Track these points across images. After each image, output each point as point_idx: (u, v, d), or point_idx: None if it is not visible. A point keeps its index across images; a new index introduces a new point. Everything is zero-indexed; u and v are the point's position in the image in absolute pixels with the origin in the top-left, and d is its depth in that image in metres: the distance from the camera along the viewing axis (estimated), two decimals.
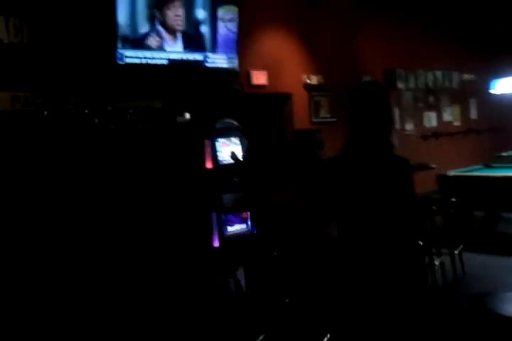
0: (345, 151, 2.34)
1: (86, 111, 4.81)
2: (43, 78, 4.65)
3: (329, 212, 2.28)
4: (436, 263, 4.67)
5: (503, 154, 8.02)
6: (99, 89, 5.02)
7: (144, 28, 5.23)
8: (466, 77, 10.72)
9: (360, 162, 2.27)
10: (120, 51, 5.04)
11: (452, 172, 6.48)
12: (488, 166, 7.12)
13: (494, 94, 9.40)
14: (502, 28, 10.68)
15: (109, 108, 5.00)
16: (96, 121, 4.86)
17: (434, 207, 4.77)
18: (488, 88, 9.09)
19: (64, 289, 4.23)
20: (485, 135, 10.76)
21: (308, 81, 7.61)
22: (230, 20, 6.07)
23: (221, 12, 5.96)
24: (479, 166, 7.11)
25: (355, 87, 2.45)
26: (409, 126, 9.45)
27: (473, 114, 10.90)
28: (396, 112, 9.27)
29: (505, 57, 10.38)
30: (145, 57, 5.25)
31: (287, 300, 3.50)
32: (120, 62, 5.06)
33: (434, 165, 5.02)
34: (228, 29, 6.07)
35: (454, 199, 5.19)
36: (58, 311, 4.04)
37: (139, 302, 4.19)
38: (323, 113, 7.92)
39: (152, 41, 5.31)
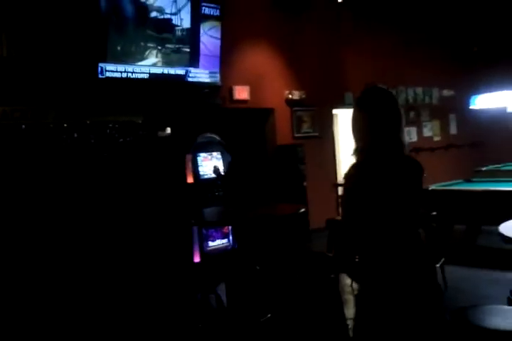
0: (364, 155, 2.33)
1: (65, 125, 4.76)
2: (22, 92, 4.60)
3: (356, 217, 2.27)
4: None
5: (483, 169, 8.09)
6: (79, 103, 4.98)
7: (126, 42, 5.23)
8: (446, 92, 10.87)
9: (379, 164, 2.29)
10: (101, 65, 5.02)
11: (433, 187, 6.51)
12: (468, 180, 7.17)
13: (474, 110, 9.53)
14: (481, 45, 10.90)
15: (88, 122, 4.96)
16: (75, 135, 4.81)
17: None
18: (467, 104, 9.22)
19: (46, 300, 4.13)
20: (465, 150, 10.88)
21: (290, 96, 7.65)
22: (213, 35, 6.10)
23: (204, 27, 5.99)
24: (459, 180, 7.16)
25: (368, 92, 2.43)
26: None
27: (453, 130, 11.04)
28: None
29: (484, 73, 10.55)
30: (126, 71, 5.23)
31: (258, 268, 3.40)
32: (101, 76, 5.04)
33: None
34: (211, 44, 6.10)
35: (434, 213, 5.20)
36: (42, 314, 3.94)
37: (120, 315, 4.09)
38: (306, 128, 7.96)
39: (133, 55, 5.30)
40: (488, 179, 7.08)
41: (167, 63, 5.60)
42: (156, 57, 5.50)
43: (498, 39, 10.72)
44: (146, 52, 5.41)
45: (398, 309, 2.18)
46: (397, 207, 2.23)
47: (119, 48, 5.17)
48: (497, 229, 2.87)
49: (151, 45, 5.44)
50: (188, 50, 5.82)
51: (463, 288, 4.95)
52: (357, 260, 2.30)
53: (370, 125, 2.30)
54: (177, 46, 5.70)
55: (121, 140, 5.19)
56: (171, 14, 5.61)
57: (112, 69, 5.12)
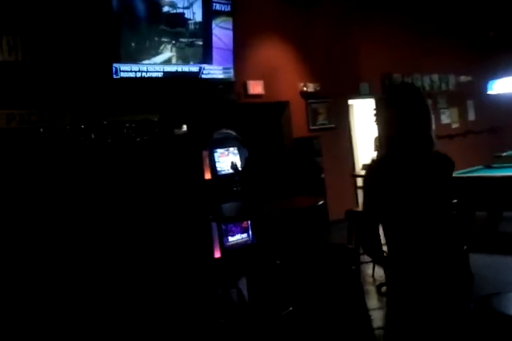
0: (390, 150, 2.33)
1: (82, 126, 4.82)
2: (38, 95, 4.67)
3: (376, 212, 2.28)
4: None
5: (503, 154, 7.99)
6: (95, 104, 5.04)
7: (139, 40, 5.26)
8: (463, 78, 10.73)
9: (407, 160, 2.30)
10: (115, 65, 5.07)
11: (453, 174, 6.45)
12: (488, 166, 7.09)
13: (491, 95, 9.40)
14: (497, 29, 10.71)
15: (105, 122, 5.01)
16: (92, 136, 4.87)
17: None
18: (485, 89, 9.10)
19: (62, 298, 4.22)
20: (484, 136, 10.74)
21: (304, 89, 7.62)
22: (225, 31, 6.10)
23: (216, 23, 6.00)
24: (479, 167, 7.07)
25: (395, 89, 2.46)
26: None
27: (471, 116, 10.90)
28: None
29: (501, 57, 10.39)
30: (140, 71, 5.27)
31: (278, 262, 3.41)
32: (115, 77, 5.09)
33: None
34: (223, 40, 6.10)
35: (455, 201, 5.16)
36: (51, 314, 4.02)
37: (141, 312, 4.16)
38: (321, 120, 7.93)
39: (147, 52, 5.34)
40: (508, 164, 6.99)
41: (181, 60, 5.62)
42: (171, 52, 5.52)
43: None
44: (160, 48, 5.44)
45: (429, 297, 2.19)
46: (424, 202, 2.23)
47: (132, 47, 5.21)
48: None
49: (165, 39, 5.46)
50: (201, 44, 5.83)
51: (486, 276, 4.91)
52: (385, 251, 2.31)
53: (398, 122, 2.31)
54: (190, 40, 5.70)
55: (138, 139, 5.24)
56: (184, 8, 5.62)
57: (127, 69, 5.16)
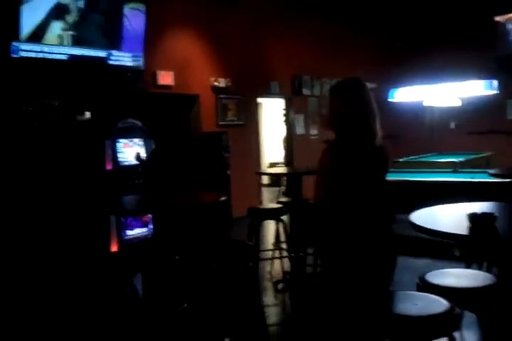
0: (338, 138, 2.49)
1: None
2: None
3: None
4: None
5: (400, 160, 8.42)
6: None
7: (43, 21, 4.94)
8: (368, 85, 11.12)
9: (352, 150, 2.43)
10: (14, 44, 4.73)
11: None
12: None
13: (392, 103, 9.88)
14: (404, 41, 11.30)
15: None
16: None
17: None
18: (387, 97, 9.54)
19: None
20: (384, 141, 11.25)
21: (216, 83, 7.58)
22: (137, 18, 5.91)
23: (128, 9, 5.79)
24: None
25: (344, 81, 2.60)
26: (313, 131, 9.70)
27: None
28: (301, 118, 9.49)
29: (403, 68, 10.97)
30: (42, 52, 4.96)
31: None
32: (14, 56, 4.75)
33: None
34: (134, 26, 5.91)
35: None
36: None
37: (33, 306, 3.93)
38: (231, 116, 7.93)
39: (51, 35, 5.03)
40: (403, 170, 7.37)
41: (87, 44, 5.36)
42: (76, 37, 5.24)
43: (419, 36, 11.17)
44: (65, 32, 5.14)
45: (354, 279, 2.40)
46: (363, 193, 2.39)
47: (35, 26, 4.88)
48: (408, 218, 2.97)
49: (70, 23, 5.17)
50: (110, 31, 5.60)
51: None
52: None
53: (343, 111, 2.44)
54: (98, 26, 5.46)
55: (36, 123, 4.94)
56: None
57: (27, 49, 4.84)
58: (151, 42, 6.28)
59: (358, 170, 2.38)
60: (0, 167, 4.56)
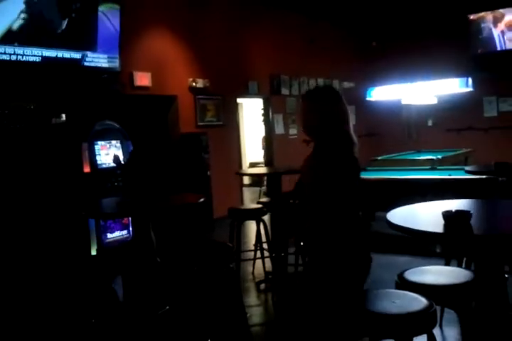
0: (317, 145, 2.58)
1: None
2: None
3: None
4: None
5: (378, 158, 8.48)
6: None
7: (15, 21, 4.86)
8: (346, 84, 11.26)
9: (324, 160, 2.52)
10: None
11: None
12: (363, 169, 7.49)
13: (370, 102, 9.95)
14: (379, 40, 11.40)
15: None
16: None
17: None
18: (365, 96, 9.61)
19: None
20: (362, 140, 11.26)
21: (194, 84, 7.55)
22: (112, 19, 5.85)
23: (102, 9, 5.73)
24: None
25: (318, 88, 2.71)
26: (292, 131, 9.73)
27: (352, 120, 11.42)
28: (280, 118, 9.50)
29: (379, 67, 11.07)
30: (16, 54, 4.88)
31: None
32: None
33: None
34: (110, 27, 5.85)
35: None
36: None
37: (13, 309, 3.86)
38: (210, 116, 7.91)
39: (23, 36, 4.96)
40: (382, 168, 7.43)
41: (62, 46, 5.29)
42: (50, 38, 5.17)
43: (394, 36, 11.27)
44: (38, 33, 5.07)
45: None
46: (343, 199, 2.47)
47: (6, 29, 4.80)
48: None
49: (42, 25, 5.10)
50: (84, 32, 5.54)
51: None
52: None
53: (320, 118, 2.52)
54: (72, 28, 5.39)
55: (12, 126, 4.86)
56: None
57: (0, 51, 4.76)
58: (127, 43, 6.22)
59: (339, 181, 2.46)
60: None
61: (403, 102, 9.78)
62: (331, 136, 2.55)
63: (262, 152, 11.80)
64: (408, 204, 3.34)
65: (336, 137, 2.55)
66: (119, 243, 4.93)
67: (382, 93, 9.21)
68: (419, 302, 2.42)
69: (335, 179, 2.45)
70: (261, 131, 11.73)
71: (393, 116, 11.39)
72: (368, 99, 9.53)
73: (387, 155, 8.76)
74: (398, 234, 3.10)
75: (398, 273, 2.90)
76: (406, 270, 2.94)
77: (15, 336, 3.62)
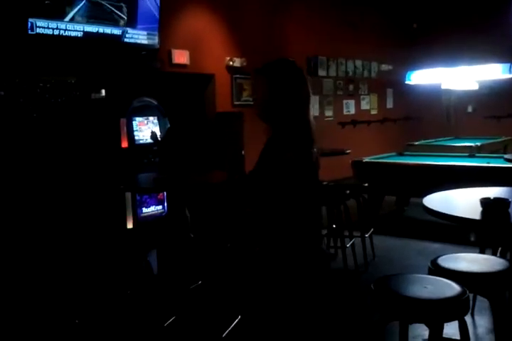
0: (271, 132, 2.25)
1: None
2: None
3: None
4: (348, 246, 4.80)
5: (415, 143, 8.37)
6: (7, 61, 4.68)
7: None
8: (384, 67, 11.06)
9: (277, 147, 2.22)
10: (31, 20, 4.72)
11: (366, 159, 6.69)
12: (400, 154, 7.41)
13: (409, 85, 9.76)
14: (420, 22, 11.10)
15: (17, 80, 4.69)
16: (2, 93, 4.54)
17: (348, 192, 4.88)
18: (404, 79, 9.42)
19: None
20: (400, 124, 11.19)
21: (231, 63, 7.53)
22: None
23: None
24: (392, 153, 7.38)
25: (279, 64, 2.29)
26: (328, 113, 9.64)
27: (390, 104, 11.29)
28: (316, 99, 9.42)
29: (420, 50, 10.80)
30: (58, 28, 4.95)
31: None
32: (31, 33, 4.74)
33: (348, 151, 5.14)
34: (150, 4, 5.86)
35: (366, 184, 5.35)
36: None
37: (51, 281, 4.01)
38: (246, 96, 7.89)
39: (67, 12, 5.02)
40: (419, 153, 7.34)
41: (103, 21, 5.34)
42: (92, 14, 5.22)
43: (436, 17, 10.96)
44: (81, 9, 5.12)
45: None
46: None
47: (51, 2, 4.86)
48: (422, 201, 2.97)
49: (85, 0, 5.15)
50: (125, 8, 5.56)
51: (390, 258, 5.18)
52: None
53: (276, 98, 2.18)
54: (113, 4, 5.43)
55: (53, 100, 4.96)
56: None
57: (43, 26, 4.82)
58: (166, 20, 6.23)
59: (287, 183, 2.15)
60: (18, 144, 4.60)
61: (443, 87, 9.56)
62: (289, 127, 2.18)
63: None
64: (443, 190, 3.31)
65: (294, 130, 2.17)
66: (153, 218, 5.01)
67: (422, 77, 9.01)
68: (452, 288, 2.41)
69: (283, 181, 2.14)
70: None
71: (432, 101, 11.15)
72: (407, 82, 9.35)
73: (425, 141, 8.63)
74: (432, 220, 3.06)
75: (432, 259, 2.89)
76: (440, 256, 2.93)
77: (52, 307, 3.76)
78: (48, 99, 4.91)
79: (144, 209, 5.08)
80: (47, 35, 4.85)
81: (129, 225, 4.84)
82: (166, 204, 5.19)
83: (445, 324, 2.47)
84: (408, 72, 9.22)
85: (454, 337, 3.18)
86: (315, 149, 2.23)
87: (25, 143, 4.65)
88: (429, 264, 2.87)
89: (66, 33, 5.01)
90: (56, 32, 4.92)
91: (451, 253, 3.07)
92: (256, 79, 2.28)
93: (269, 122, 2.26)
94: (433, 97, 11.02)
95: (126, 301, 3.64)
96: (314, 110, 9.34)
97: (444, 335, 2.54)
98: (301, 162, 2.15)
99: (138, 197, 4.98)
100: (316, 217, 2.30)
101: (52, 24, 4.88)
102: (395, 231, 6.18)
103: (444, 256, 2.92)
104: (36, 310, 3.67)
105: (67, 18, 4.99)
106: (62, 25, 4.96)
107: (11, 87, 4.64)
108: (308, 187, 2.21)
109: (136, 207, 4.97)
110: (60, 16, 4.93)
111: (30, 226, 4.47)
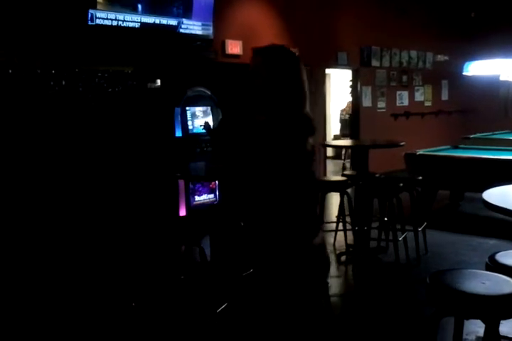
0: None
1: (53, 71, 4.64)
2: (7, 36, 4.44)
3: None
4: (400, 239, 4.74)
5: (471, 136, 8.12)
6: (68, 51, 4.83)
7: None
8: (440, 57, 10.76)
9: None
10: (91, 11, 4.85)
11: (420, 152, 6.54)
12: (455, 147, 7.21)
13: (466, 76, 9.46)
14: (478, 11, 10.71)
15: (76, 70, 4.84)
16: (63, 82, 4.70)
17: (401, 184, 4.81)
18: (461, 70, 9.14)
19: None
20: (455, 116, 10.89)
21: None
22: None
23: None
24: (447, 147, 7.19)
25: (279, 49, 2.18)
26: (381, 104, 9.49)
27: (445, 95, 11.00)
28: (368, 90, 9.28)
29: (479, 40, 10.43)
30: (116, 19, 5.07)
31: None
32: (90, 23, 4.88)
33: (403, 143, 5.05)
34: None
35: (420, 178, 5.25)
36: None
37: (104, 268, 4.15)
38: None
39: (125, 3, 5.13)
40: (475, 146, 7.12)
41: (160, 12, 5.43)
42: (148, 5, 5.32)
43: (496, 6, 10.55)
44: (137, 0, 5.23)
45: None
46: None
47: None
48: (479, 196, 2.89)
49: None
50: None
51: (443, 253, 5.07)
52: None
53: (269, 81, 2.10)
54: None
55: (110, 90, 5.09)
56: None
57: (103, 17, 4.95)
58: (220, 11, 6.28)
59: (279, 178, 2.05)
60: (77, 131, 4.75)
61: (501, 78, 9.21)
62: (281, 111, 2.07)
63: (337, 125, 11.63)
64: (502, 185, 3.20)
65: (287, 115, 2.07)
66: (205, 206, 5.09)
67: (481, 68, 8.71)
68: (511, 285, 2.35)
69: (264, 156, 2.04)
70: (343, 103, 11.53)
71: (489, 93, 10.77)
72: (464, 73, 9.06)
73: (481, 134, 8.36)
74: (487, 215, 2.99)
75: (489, 255, 2.82)
76: (497, 252, 2.86)
77: (111, 290, 3.89)
78: (106, 88, 5.05)
79: (197, 198, 5.18)
80: (106, 25, 4.98)
81: (182, 213, 4.95)
82: (217, 193, 5.27)
83: (501, 321, 2.42)
84: (466, 63, 8.92)
85: (509, 336, 3.12)
86: (311, 139, 2.11)
87: (84, 131, 4.80)
88: (486, 260, 2.80)
89: (124, 24, 5.12)
90: (114, 23, 5.04)
91: (507, 250, 2.98)
92: (253, 58, 2.22)
93: (263, 106, 2.16)
94: (490, 89, 10.64)
95: (179, 286, 3.73)
96: (366, 101, 9.25)
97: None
98: (289, 144, 2.04)
99: (191, 186, 5.07)
100: (307, 209, 2.13)
101: (111, 15, 5.00)
102: (449, 226, 6.04)
103: (502, 252, 2.84)
104: (96, 293, 3.81)
105: (125, 9, 5.11)
106: (120, 16, 5.08)
107: (71, 76, 4.80)
108: (298, 175, 2.07)
109: (189, 195, 5.06)
110: (118, 7, 5.05)
111: (89, 213, 4.63)
